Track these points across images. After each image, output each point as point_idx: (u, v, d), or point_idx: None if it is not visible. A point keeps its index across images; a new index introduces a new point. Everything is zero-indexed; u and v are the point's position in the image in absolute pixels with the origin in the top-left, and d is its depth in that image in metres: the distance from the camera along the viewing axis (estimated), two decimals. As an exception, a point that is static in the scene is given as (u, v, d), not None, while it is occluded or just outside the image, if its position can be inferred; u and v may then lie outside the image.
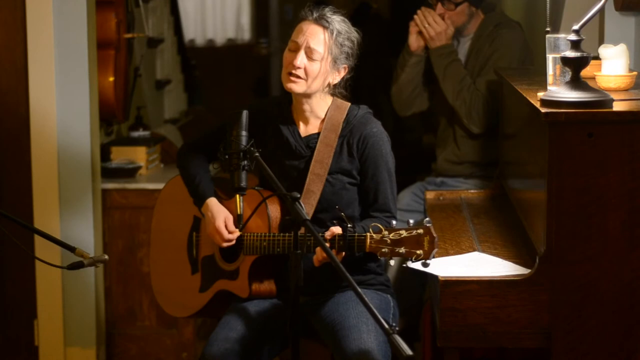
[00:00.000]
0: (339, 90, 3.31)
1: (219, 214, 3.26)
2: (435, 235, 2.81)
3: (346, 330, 3.12)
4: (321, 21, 3.19)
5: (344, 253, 3.00)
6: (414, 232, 2.82)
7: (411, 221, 2.86)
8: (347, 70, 3.26)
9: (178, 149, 3.55)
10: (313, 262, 3.08)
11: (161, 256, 3.56)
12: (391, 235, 2.86)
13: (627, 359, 2.89)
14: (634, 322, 2.88)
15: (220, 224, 3.24)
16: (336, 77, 3.25)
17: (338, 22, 3.21)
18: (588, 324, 2.88)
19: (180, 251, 3.45)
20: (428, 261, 2.83)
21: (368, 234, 2.89)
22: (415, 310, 4.31)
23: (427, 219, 2.87)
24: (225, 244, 3.25)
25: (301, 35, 3.20)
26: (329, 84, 3.25)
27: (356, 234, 2.94)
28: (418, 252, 2.82)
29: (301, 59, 3.18)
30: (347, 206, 3.23)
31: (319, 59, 3.18)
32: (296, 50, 3.20)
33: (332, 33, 3.18)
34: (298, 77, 3.19)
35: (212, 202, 3.31)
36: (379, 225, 2.88)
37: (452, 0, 4.29)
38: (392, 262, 2.90)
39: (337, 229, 2.99)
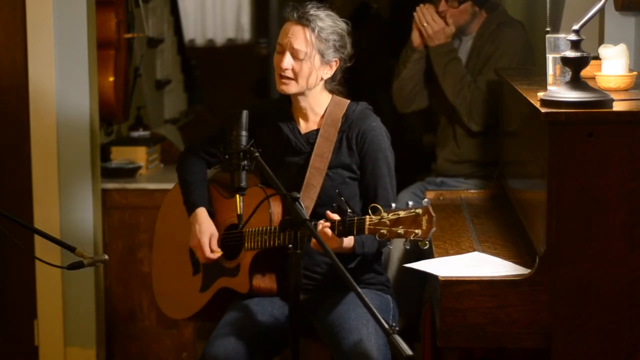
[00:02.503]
0: (335, 86, 3.32)
1: (206, 232, 3.31)
2: (433, 214, 2.79)
3: (346, 332, 3.12)
4: (302, 20, 3.21)
5: (344, 239, 3.01)
6: (413, 211, 2.82)
7: (410, 203, 2.85)
8: (338, 64, 3.27)
9: (180, 153, 3.55)
10: (313, 259, 3.09)
11: (163, 258, 3.56)
12: (390, 215, 2.85)
13: (627, 359, 2.89)
14: (634, 322, 2.88)
15: (205, 241, 3.29)
16: (328, 72, 3.26)
17: (321, 17, 3.22)
18: (588, 324, 2.88)
19: (183, 253, 3.45)
20: (426, 240, 2.82)
21: (367, 216, 2.88)
22: (415, 310, 4.31)
23: (426, 199, 2.84)
24: (204, 261, 3.31)
25: (285, 37, 3.23)
26: (322, 79, 3.26)
27: (355, 217, 2.93)
28: (416, 231, 2.80)
29: (287, 61, 3.20)
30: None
31: (305, 57, 3.20)
32: (282, 52, 3.23)
33: (314, 30, 3.19)
34: (288, 78, 3.22)
35: (202, 213, 3.34)
36: (378, 206, 2.88)
37: None
38: (390, 246, 2.90)
39: (335, 215, 2.99)
